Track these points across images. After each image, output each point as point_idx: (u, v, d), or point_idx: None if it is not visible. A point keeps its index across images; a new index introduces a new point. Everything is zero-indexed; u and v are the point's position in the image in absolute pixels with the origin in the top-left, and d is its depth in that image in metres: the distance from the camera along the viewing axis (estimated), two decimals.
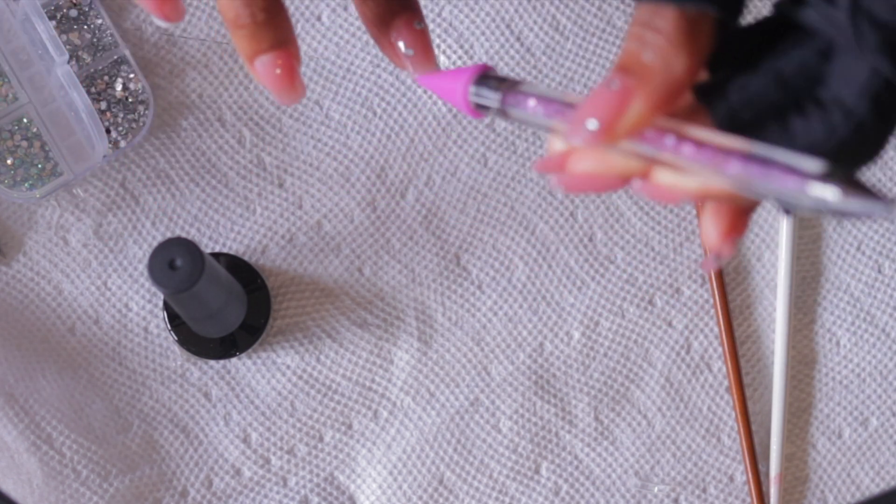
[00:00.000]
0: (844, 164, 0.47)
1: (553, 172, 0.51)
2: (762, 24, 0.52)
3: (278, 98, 0.54)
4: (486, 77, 0.52)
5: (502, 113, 0.52)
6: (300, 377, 0.76)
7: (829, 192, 0.45)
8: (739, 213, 0.51)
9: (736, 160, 0.46)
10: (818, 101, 0.49)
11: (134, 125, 0.75)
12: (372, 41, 0.77)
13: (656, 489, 0.77)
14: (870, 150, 0.50)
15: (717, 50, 0.50)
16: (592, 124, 0.47)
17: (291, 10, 0.77)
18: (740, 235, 0.51)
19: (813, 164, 0.45)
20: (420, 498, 0.76)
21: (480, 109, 0.52)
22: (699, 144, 0.47)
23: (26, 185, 0.75)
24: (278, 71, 0.54)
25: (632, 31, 0.49)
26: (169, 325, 0.75)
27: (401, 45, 0.55)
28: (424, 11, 0.77)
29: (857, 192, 0.45)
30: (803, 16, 0.50)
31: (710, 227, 0.51)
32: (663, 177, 0.49)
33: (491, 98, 0.52)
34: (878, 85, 0.49)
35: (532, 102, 0.50)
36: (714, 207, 0.51)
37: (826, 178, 0.45)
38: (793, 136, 0.49)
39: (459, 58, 0.77)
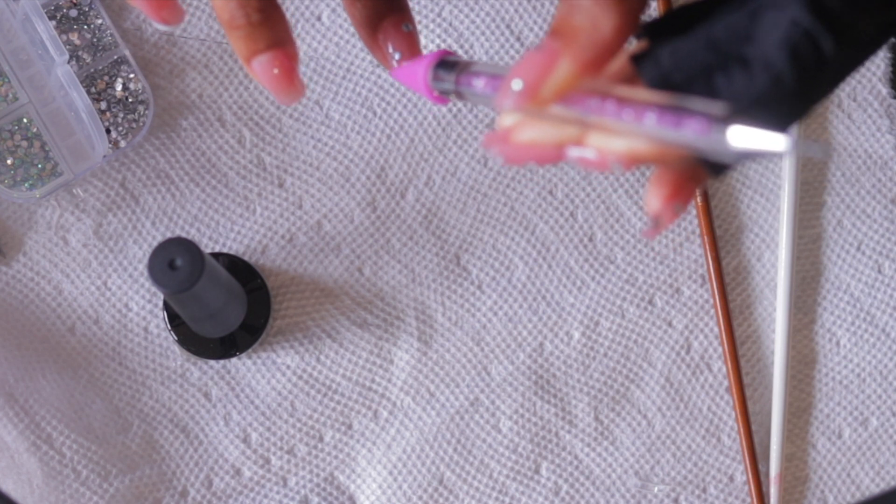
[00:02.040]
0: (768, 120, 0.46)
1: (497, 146, 0.51)
2: None
3: (278, 98, 0.54)
4: (444, 62, 0.53)
5: (458, 94, 0.52)
6: (300, 377, 0.76)
7: (728, 132, 0.45)
8: (684, 179, 0.51)
9: (651, 113, 0.47)
10: (742, 59, 0.50)
11: (134, 125, 0.75)
12: None
13: (656, 489, 0.77)
14: (792, 106, 0.50)
15: (663, 22, 0.51)
16: (517, 85, 0.48)
17: (291, 10, 0.77)
18: (684, 203, 0.51)
19: (716, 107, 0.45)
20: (420, 498, 0.76)
21: (443, 94, 0.53)
22: (621, 102, 0.47)
23: (26, 185, 0.75)
24: (276, 71, 0.54)
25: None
26: (169, 325, 0.75)
27: (389, 47, 0.55)
28: (424, 11, 0.77)
29: (758, 128, 0.45)
30: None
31: (653, 193, 0.51)
32: (592, 140, 0.49)
33: (447, 80, 0.52)
34: (797, 36, 0.49)
35: (481, 81, 0.51)
36: (658, 173, 0.52)
37: (730, 119, 0.45)
38: (716, 92, 0.49)
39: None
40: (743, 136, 0.45)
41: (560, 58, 0.49)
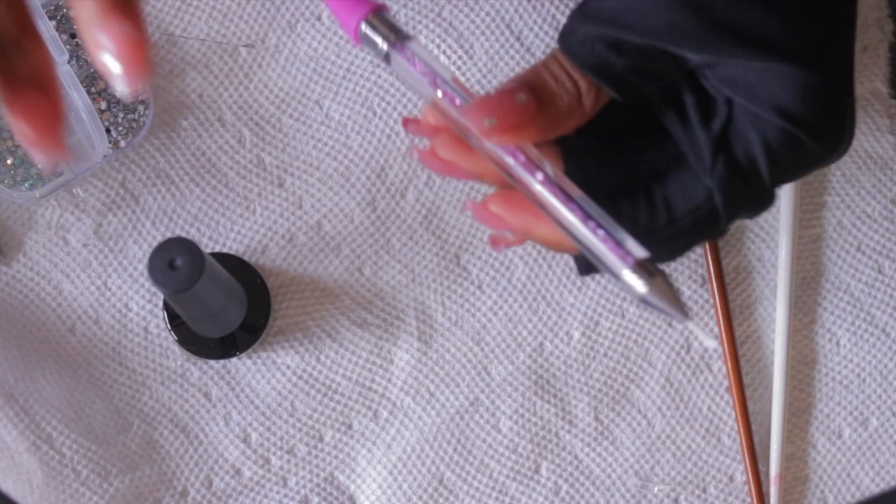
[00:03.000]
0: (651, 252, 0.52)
1: (419, 135, 0.57)
2: (638, 107, 0.57)
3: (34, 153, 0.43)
4: (381, 15, 0.54)
5: (386, 58, 0.54)
6: (300, 377, 0.76)
7: (639, 284, 0.50)
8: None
9: (578, 210, 0.51)
10: (649, 196, 0.55)
11: (134, 125, 0.75)
12: None
13: (656, 489, 0.77)
14: (674, 254, 0.57)
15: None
16: (490, 122, 0.53)
17: (292, 10, 0.77)
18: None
19: (639, 250, 0.50)
20: (420, 498, 0.76)
21: (365, 42, 0.54)
22: (550, 181, 0.52)
23: (26, 185, 0.75)
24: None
25: (550, 66, 0.55)
26: (169, 325, 0.75)
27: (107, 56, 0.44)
28: (424, 11, 0.77)
29: (663, 294, 0.50)
30: (670, 125, 0.56)
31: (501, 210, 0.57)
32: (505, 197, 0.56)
33: (379, 41, 0.54)
34: (706, 209, 0.55)
35: (419, 66, 0.54)
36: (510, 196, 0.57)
37: (643, 267, 0.50)
38: (618, 211, 0.55)
39: (459, 57, 0.77)
40: (649, 295, 0.50)
41: (534, 117, 0.53)
